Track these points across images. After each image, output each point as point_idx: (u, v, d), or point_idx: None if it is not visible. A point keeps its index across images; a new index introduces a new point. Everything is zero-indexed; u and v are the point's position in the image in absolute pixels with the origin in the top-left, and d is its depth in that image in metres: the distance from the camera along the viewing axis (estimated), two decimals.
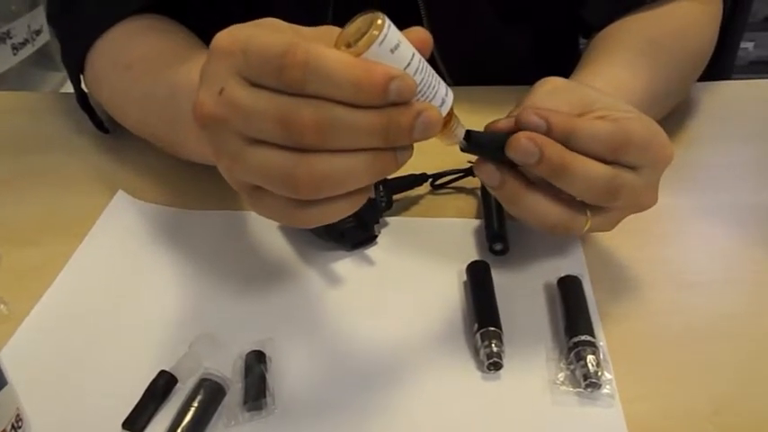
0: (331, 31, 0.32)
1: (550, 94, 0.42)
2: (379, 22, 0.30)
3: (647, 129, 0.40)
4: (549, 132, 0.38)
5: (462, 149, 0.38)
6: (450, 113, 0.35)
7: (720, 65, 0.66)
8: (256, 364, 0.41)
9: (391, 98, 0.30)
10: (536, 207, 0.40)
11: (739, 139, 0.63)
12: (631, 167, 0.40)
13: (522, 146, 0.37)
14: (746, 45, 1.94)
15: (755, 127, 0.64)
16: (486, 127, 0.41)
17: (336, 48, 0.31)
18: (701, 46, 0.62)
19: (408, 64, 0.31)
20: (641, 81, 0.53)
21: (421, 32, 0.33)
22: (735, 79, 0.73)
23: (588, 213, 0.41)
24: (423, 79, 0.32)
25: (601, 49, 0.58)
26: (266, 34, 0.31)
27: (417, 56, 0.32)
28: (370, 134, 0.31)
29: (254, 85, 0.31)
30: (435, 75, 0.33)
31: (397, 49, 0.31)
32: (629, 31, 0.60)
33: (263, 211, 0.35)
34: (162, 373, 0.41)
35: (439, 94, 0.33)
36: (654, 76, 0.54)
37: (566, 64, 0.56)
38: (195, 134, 0.37)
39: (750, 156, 0.60)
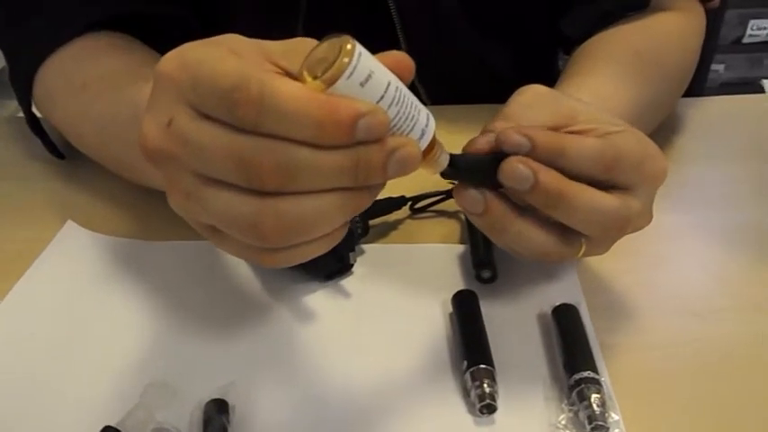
0: (303, 43, 0.29)
1: (530, 104, 0.40)
2: (349, 47, 0.26)
3: (638, 142, 0.38)
4: (533, 152, 0.35)
5: (444, 176, 0.34)
6: (433, 141, 0.31)
7: (692, 86, 0.65)
8: (217, 414, 0.37)
9: (360, 137, 0.27)
10: (525, 235, 0.37)
11: (725, 156, 0.61)
12: (626, 187, 0.37)
13: (517, 171, 0.34)
14: (717, 67, 1.99)
15: (741, 143, 0.63)
16: (466, 146, 0.37)
17: (300, 78, 0.27)
18: (686, 58, 0.61)
19: (382, 96, 0.27)
20: (628, 93, 0.51)
21: (400, 57, 0.29)
22: None
23: (583, 238, 0.38)
24: (399, 111, 0.28)
25: (584, 61, 0.56)
26: (219, 59, 0.28)
27: (394, 84, 0.28)
28: (339, 175, 0.28)
29: (206, 117, 0.28)
30: (415, 103, 0.29)
31: (370, 80, 0.27)
32: (614, 42, 0.58)
33: (225, 249, 0.31)
34: (107, 429, 0.37)
35: (418, 124, 0.30)
36: (641, 89, 0.52)
37: (546, 81, 0.54)
38: None
39: (736, 172, 0.58)
